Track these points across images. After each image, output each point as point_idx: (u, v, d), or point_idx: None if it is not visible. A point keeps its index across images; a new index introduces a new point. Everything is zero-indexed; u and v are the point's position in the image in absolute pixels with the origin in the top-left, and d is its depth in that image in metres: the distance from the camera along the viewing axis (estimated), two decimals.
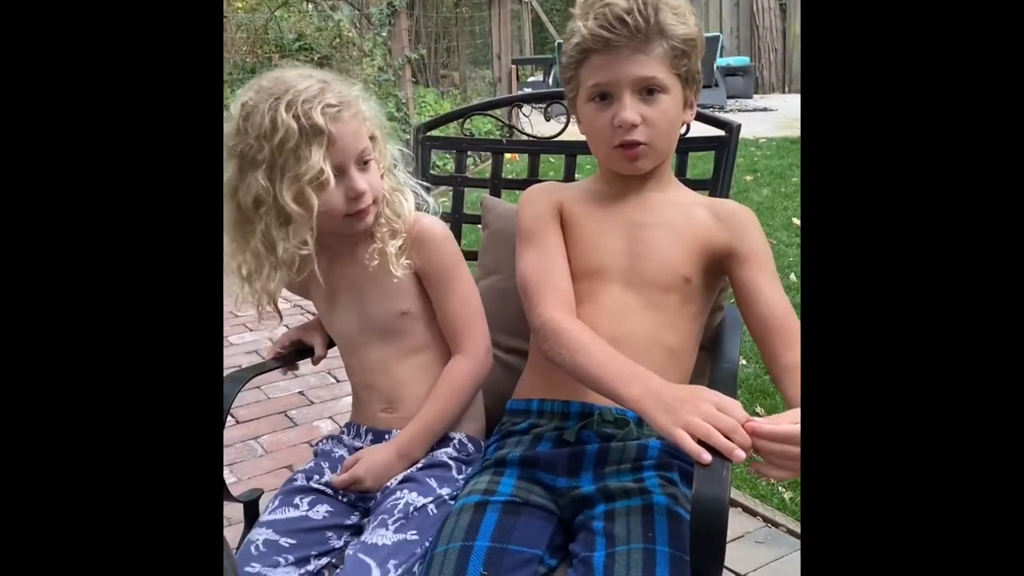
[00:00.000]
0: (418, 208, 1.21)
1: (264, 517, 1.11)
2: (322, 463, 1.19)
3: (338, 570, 1.01)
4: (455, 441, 1.18)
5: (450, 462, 1.15)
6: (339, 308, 1.21)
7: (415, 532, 1.04)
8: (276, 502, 1.13)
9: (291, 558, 1.05)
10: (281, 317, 1.21)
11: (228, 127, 1.08)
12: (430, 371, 1.19)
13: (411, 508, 1.06)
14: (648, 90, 1.09)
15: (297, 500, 1.13)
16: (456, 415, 1.17)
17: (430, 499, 1.08)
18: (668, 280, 1.12)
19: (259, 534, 1.07)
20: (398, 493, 1.09)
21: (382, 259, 1.13)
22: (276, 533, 1.07)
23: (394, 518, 1.05)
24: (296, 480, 1.17)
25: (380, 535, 1.03)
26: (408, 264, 1.15)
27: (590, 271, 1.14)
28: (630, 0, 1.06)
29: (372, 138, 1.13)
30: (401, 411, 1.18)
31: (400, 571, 0.99)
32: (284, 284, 1.15)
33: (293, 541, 1.07)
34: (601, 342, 1.03)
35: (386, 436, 1.17)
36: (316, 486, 1.15)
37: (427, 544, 1.03)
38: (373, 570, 0.98)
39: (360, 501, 1.15)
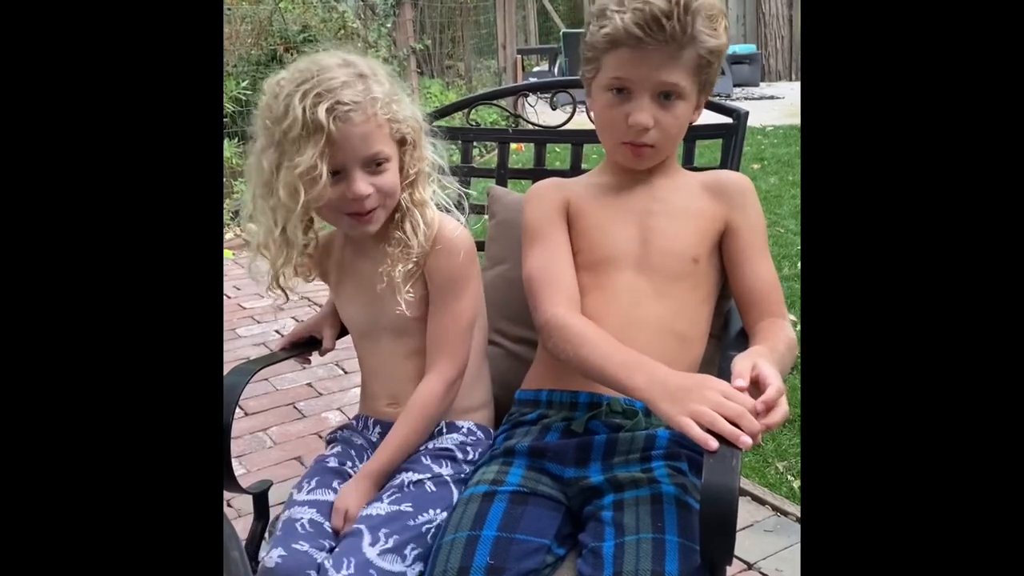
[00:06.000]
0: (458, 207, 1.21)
1: (301, 496, 1.11)
2: (349, 449, 1.20)
3: (337, 547, 1.01)
4: (463, 428, 1.18)
5: (454, 448, 1.15)
6: (353, 300, 1.22)
7: (410, 505, 1.05)
8: (313, 483, 1.13)
9: (329, 544, 1.05)
10: (287, 298, 1.21)
11: (262, 100, 1.09)
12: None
13: (408, 483, 1.08)
14: (667, 95, 1.08)
15: (336, 484, 1.13)
16: (425, 435, 1.15)
17: (427, 475, 1.09)
18: (678, 266, 1.12)
19: (301, 513, 1.07)
20: (400, 475, 1.10)
21: (389, 281, 1.12)
22: (320, 514, 1.08)
23: (389, 492, 1.07)
24: (328, 461, 1.17)
25: (375, 507, 1.04)
26: (413, 294, 1.13)
27: (602, 260, 1.14)
28: (671, 4, 1.03)
29: (403, 142, 1.12)
30: (402, 407, 1.17)
31: (392, 541, 1.00)
32: (294, 263, 1.15)
33: (331, 529, 1.07)
34: (605, 335, 1.04)
35: None
36: (351, 472, 1.16)
37: (421, 517, 1.04)
38: (364, 535, 0.99)
39: None
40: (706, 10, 1.05)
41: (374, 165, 1.09)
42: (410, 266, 1.12)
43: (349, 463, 1.18)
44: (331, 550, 1.04)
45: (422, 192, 1.15)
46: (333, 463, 1.17)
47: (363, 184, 1.07)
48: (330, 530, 1.07)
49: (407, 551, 1.00)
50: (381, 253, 1.15)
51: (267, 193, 1.09)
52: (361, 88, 1.06)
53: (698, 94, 1.12)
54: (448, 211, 1.19)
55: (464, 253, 1.15)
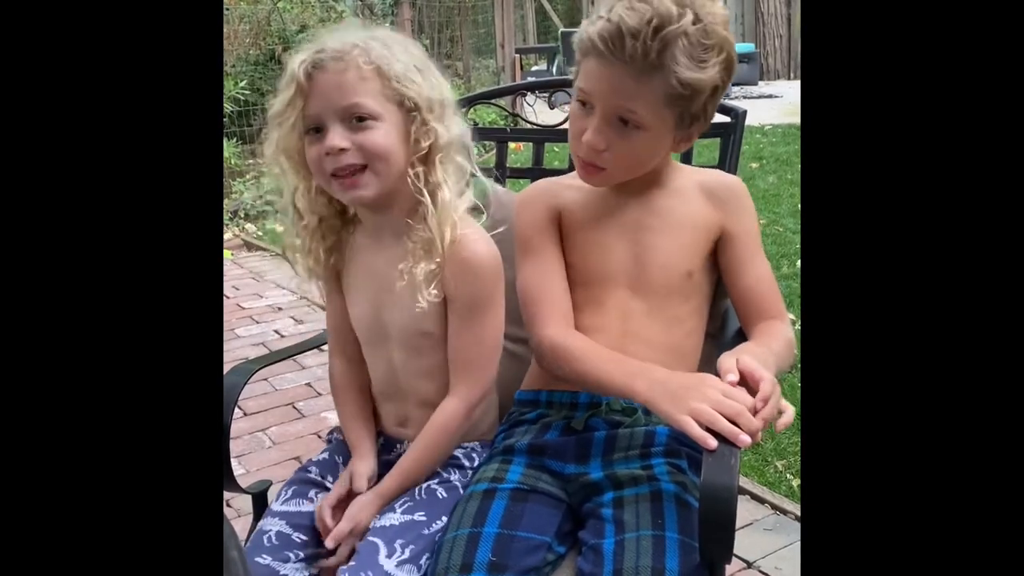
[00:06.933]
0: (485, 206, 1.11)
1: (276, 506, 1.10)
2: (336, 458, 1.18)
3: (352, 560, 1.01)
4: (468, 448, 1.15)
5: (461, 456, 1.14)
6: (361, 300, 1.14)
7: (423, 513, 1.04)
8: (289, 492, 1.12)
9: (301, 555, 1.04)
10: (318, 276, 1.14)
11: None
12: (444, 396, 1.11)
13: (418, 490, 1.07)
14: (623, 120, 1.01)
15: (312, 494, 1.11)
16: (444, 458, 1.11)
17: (436, 480, 1.09)
18: (672, 282, 1.11)
19: (271, 524, 1.06)
20: None
21: (409, 280, 1.03)
22: (289, 526, 1.06)
23: (401, 501, 1.06)
24: (310, 472, 1.15)
25: (388, 518, 1.03)
26: (437, 294, 1.04)
27: (595, 277, 1.13)
28: (642, 23, 0.95)
29: (402, 105, 1.02)
30: (411, 429, 1.13)
31: (408, 551, 0.99)
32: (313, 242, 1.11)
33: (305, 537, 1.06)
34: (599, 348, 1.04)
35: (398, 445, 1.15)
36: (329, 485, 1.13)
37: (435, 525, 1.03)
38: (381, 549, 0.98)
39: None
40: (696, 37, 0.96)
41: (355, 120, 1.00)
42: (432, 267, 1.03)
43: (330, 476, 1.14)
44: (300, 560, 1.03)
45: (437, 173, 1.04)
46: (314, 473, 1.15)
47: (337, 137, 0.99)
48: (299, 540, 1.05)
49: (423, 561, 0.99)
50: (401, 250, 1.06)
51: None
52: (350, 42, 1.00)
53: (676, 127, 1.03)
54: (474, 210, 1.10)
55: (493, 269, 1.07)
